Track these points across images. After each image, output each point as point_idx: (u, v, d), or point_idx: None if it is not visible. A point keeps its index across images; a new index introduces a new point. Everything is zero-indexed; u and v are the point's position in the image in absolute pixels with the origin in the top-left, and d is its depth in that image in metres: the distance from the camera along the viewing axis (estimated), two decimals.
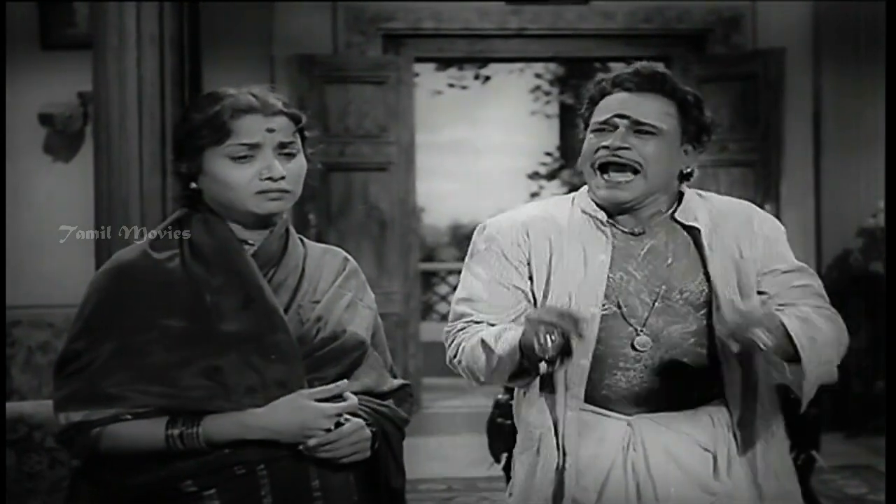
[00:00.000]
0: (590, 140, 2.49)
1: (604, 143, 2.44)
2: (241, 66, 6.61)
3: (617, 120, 2.45)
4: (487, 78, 15.52)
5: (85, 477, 2.24)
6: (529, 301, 2.51)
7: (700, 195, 2.60)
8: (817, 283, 2.55)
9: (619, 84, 2.48)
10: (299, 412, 2.17)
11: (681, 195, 2.56)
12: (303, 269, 2.33)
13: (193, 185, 2.27)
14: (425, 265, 12.95)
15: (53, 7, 6.71)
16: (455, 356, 2.51)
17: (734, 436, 2.47)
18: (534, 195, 16.89)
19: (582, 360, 2.41)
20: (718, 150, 7.12)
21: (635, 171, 2.44)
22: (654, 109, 2.45)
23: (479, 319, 2.50)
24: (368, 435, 2.25)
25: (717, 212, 2.55)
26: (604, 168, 2.46)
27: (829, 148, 7.19)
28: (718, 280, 2.46)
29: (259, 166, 2.22)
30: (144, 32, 5.21)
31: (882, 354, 6.51)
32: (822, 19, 7.20)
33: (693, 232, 2.50)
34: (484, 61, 12.80)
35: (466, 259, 2.60)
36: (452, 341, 2.52)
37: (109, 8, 5.22)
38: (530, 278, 2.52)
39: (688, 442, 2.45)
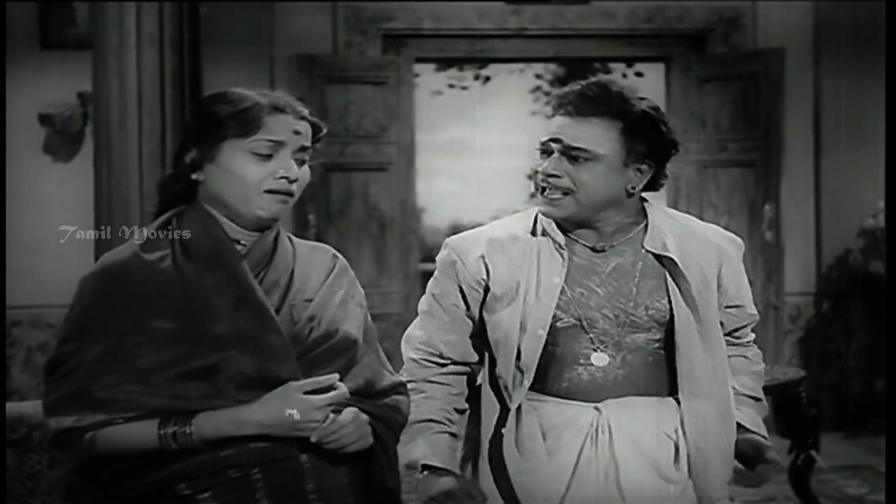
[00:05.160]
0: (536, 161, 2.54)
1: (539, 169, 2.50)
2: (241, 66, 6.61)
3: (552, 145, 2.49)
4: (488, 78, 15.51)
5: (81, 478, 2.24)
6: (473, 323, 2.59)
7: (666, 214, 2.62)
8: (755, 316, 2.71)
9: (563, 106, 2.48)
10: (289, 405, 2.17)
11: (646, 214, 2.59)
12: (293, 268, 2.33)
13: (195, 175, 2.26)
14: (425, 265, 12.94)
15: (53, 7, 6.71)
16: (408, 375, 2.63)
17: (684, 428, 2.52)
18: (534, 196, 16.86)
19: (525, 381, 2.50)
20: (718, 150, 7.13)
21: (565, 193, 2.48)
22: (591, 134, 2.45)
23: (428, 353, 2.62)
24: (366, 418, 2.26)
25: (683, 237, 2.57)
26: (542, 189, 2.52)
27: (830, 148, 7.19)
28: (681, 308, 2.51)
29: (276, 165, 2.23)
30: (144, 32, 5.21)
31: (882, 354, 6.51)
32: (822, 19, 7.20)
33: (663, 259, 2.53)
34: (484, 61, 12.79)
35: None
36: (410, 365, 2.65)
37: (109, 8, 5.22)
38: (483, 300, 2.57)
39: (652, 428, 2.49)
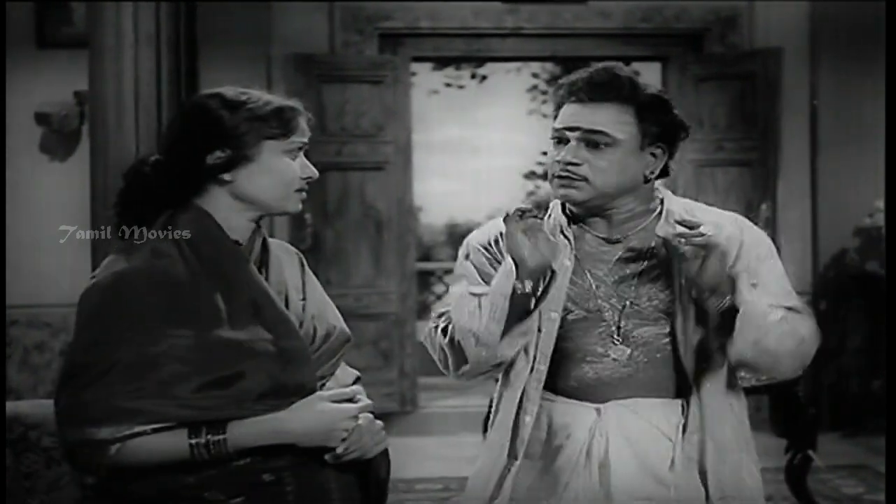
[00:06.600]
0: (550, 150, 2.52)
1: (556, 158, 2.47)
2: (237, 65, 6.60)
3: (568, 133, 2.46)
4: (484, 77, 15.51)
5: (105, 489, 2.21)
6: None
7: (682, 204, 2.57)
8: (801, 306, 2.50)
9: (574, 93, 2.47)
10: (322, 415, 2.18)
11: (662, 201, 2.56)
12: (283, 268, 2.34)
13: (228, 176, 2.22)
14: (422, 265, 12.94)
15: (50, 6, 6.70)
16: (444, 337, 2.62)
17: (685, 432, 2.46)
18: (530, 195, 16.91)
19: (541, 365, 2.48)
20: (715, 150, 7.13)
21: (585, 180, 2.45)
22: (608, 118, 2.44)
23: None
24: (382, 424, 2.29)
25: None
26: (558, 177, 2.48)
27: (826, 147, 7.20)
28: (684, 297, 2.45)
29: (300, 164, 2.27)
30: (141, 32, 5.20)
31: (879, 354, 6.51)
32: (819, 19, 7.20)
33: (670, 245, 2.47)
34: (481, 60, 12.79)
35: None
36: (437, 332, 2.65)
37: (106, 7, 5.21)
38: None
39: (651, 431, 2.45)
